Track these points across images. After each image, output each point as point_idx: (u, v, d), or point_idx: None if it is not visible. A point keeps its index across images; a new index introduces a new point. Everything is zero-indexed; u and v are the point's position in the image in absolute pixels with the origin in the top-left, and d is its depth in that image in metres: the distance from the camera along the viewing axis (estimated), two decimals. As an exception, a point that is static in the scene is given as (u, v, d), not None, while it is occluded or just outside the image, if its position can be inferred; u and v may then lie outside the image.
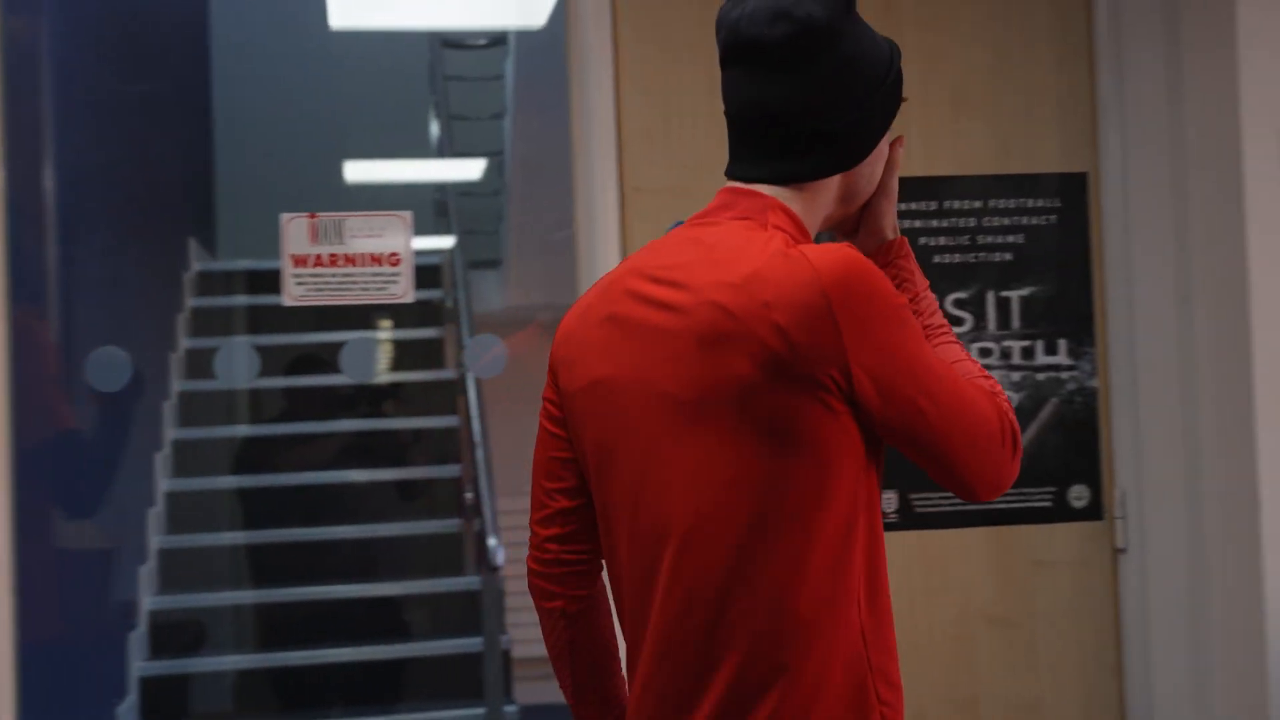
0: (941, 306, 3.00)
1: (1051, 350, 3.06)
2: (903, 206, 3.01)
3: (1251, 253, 2.78)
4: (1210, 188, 2.94)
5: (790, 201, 1.65)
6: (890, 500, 2.99)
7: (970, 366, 1.67)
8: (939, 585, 3.04)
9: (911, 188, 3.02)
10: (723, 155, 1.73)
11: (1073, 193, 3.09)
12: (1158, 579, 3.06)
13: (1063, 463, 3.06)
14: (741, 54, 1.63)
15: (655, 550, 1.59)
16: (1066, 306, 3.08)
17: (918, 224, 3.03)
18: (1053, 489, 3.06)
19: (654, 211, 2.95)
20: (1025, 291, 3.06)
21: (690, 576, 1.56)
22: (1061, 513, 3.06)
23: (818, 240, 1.65)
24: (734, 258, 1.55)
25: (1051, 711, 3.07)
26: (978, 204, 3.06)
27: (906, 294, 1.73)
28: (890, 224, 1.76)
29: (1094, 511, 3.08)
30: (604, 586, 1.79)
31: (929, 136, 3.07)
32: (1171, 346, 3.04)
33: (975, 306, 3.04)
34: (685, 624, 1.57)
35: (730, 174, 1.69)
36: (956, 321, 3.03)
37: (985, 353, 3.03)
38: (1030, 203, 3.07)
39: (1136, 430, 3.07)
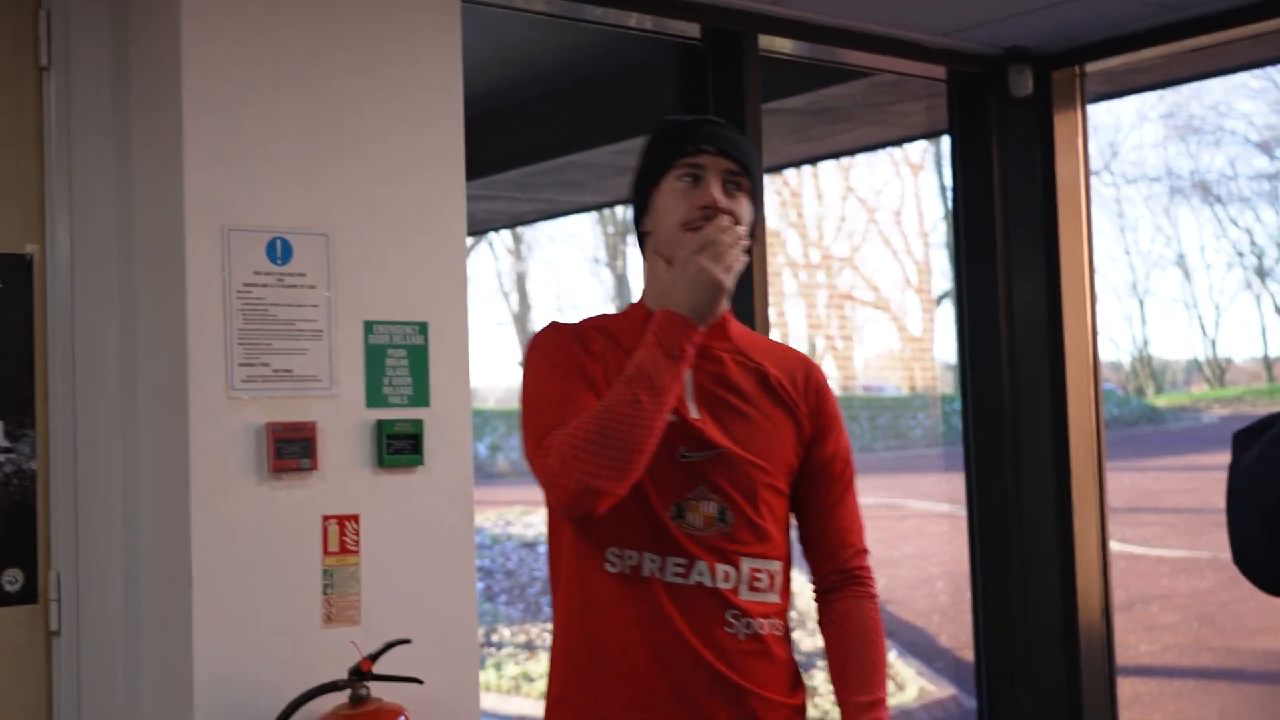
0: None
1: (-11, 432, 3.12)
2: None
3: (191, 343, 3.05)
4: (156, 278, 3.18)
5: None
6: None
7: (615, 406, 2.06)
8: None
9: None
10: None
11: (16, 274, 3.17)
12: (92, 661, 3.19)
13: (-3, 546, 3.12)
14: None
15: None
16: (6, 389, 3.14)
17: None
18: (-15, 574, 3.10)
19: None
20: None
21: None
22: (-7, 597, 3.11)
23: None
24: None
25: (-25, 805, 3.08)
26: (-88, 279, 3.04)
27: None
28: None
29: (28, 595, 3.15)
30: None
31: None
32: (114, 431, 3.23)
33: (-94, 385, 3.01)
34: None
35: None
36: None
37: (-84, 434, 3.01)
38: (-30, 281, 3.12)
39: (75, 513, 3.19)
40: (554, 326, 2.27)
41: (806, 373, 2.29)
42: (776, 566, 2.21)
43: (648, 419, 2.03)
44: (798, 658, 2.31)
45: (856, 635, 2.24)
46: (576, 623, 2.19)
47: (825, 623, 2.29)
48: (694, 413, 2.18)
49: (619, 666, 2.13)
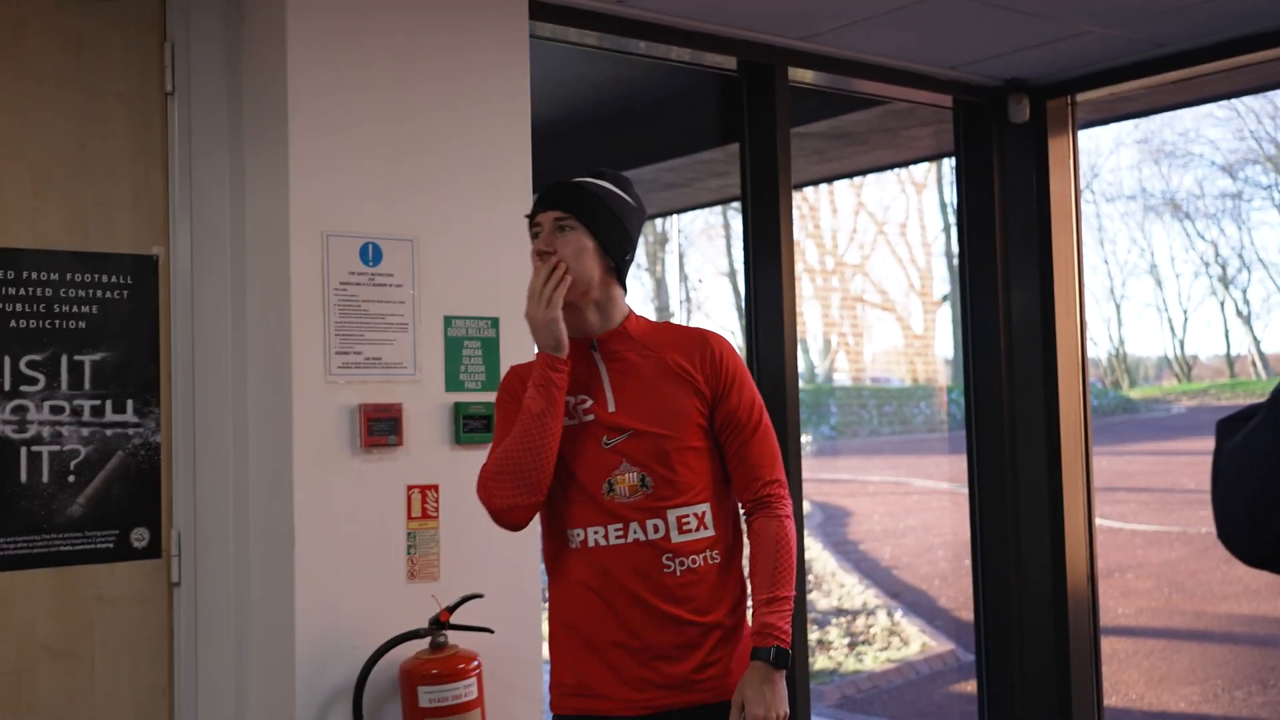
0: (16, 368, 3.00)
1: (120, 409, 3.15)
2: (-19, 273, 2.95)
3: (294, 333, 3.08)
4: (264, 276, 3.21)
5: None
6: (-44, 547, 2.89)
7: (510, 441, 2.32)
8: (1, 622, 2.98)
9: (-10, 256, 2.97)
10: None
11: (144, 272, 3.21)
12: (207, 609, 3.24)
13: (127, 508, 3.15)
14: None
15: None
16: (135, 371, 3.18)
17: (-5, 290, 2.99)
18: (116, 531, 3.13)
19: None
20: (97, 356, 3.13)
21: None
22: (123, 552, 3.14)
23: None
24: None
25: (106, 732, 3.11)
26: (55, 276, 3.08)
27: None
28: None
29: (153, 550, 3.19)
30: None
31: (8, 212, 3.05)
32: (226, 409, 3.26)
33: (50, 368, 3.05)
34: None
35: None
36: (31, 381, 3.02)
37: (58, 410, 3.05)
38: (104, 278, 3.15)
39: (193, 480, 3.24)
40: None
41: (702, 348, 2.43)
42: (703, 508, 2.37)
43: (534, 442, 2.30)
44: None
45: (764, 546, 2.40)
46: (555, 590, 2.43)
47: (748, 538, 2.47)
48: (611, 406, 2.37)
49: (585, 620, 2.37)
